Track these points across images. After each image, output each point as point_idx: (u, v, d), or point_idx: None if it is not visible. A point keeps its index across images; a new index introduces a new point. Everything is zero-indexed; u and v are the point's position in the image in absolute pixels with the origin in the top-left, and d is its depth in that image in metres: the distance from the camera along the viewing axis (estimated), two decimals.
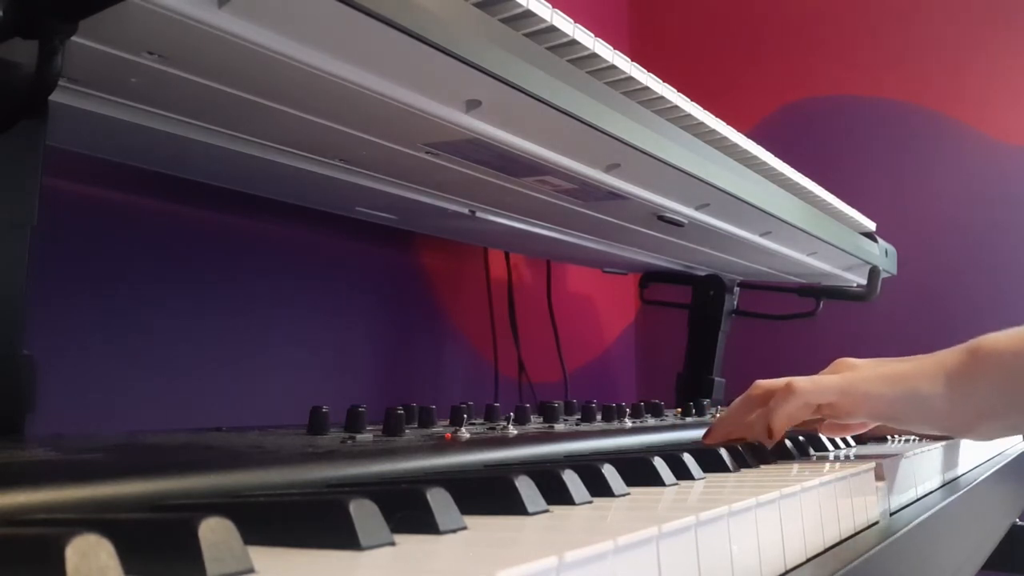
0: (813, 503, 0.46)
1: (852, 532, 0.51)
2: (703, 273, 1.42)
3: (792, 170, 1.06)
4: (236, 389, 0.97)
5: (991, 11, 1.68)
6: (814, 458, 0.70)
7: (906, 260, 1.54)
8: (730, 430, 0.68)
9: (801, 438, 0.73)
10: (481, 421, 0.73)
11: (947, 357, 0.67)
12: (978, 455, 0.99)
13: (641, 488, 0.45)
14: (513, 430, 0.66)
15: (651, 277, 1.49)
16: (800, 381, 0.67)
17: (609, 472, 0.43)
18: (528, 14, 0.60)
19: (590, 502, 0.39)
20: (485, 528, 0.32)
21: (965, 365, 0.65)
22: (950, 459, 0.85)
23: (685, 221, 1.01)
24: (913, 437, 0.90)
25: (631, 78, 0.72)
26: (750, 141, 0.95)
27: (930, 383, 0.65)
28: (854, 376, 0.67)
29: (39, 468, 0.37)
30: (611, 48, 0.69)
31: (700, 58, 1.93)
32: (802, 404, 0.66)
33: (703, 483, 0.50)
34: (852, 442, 0.83)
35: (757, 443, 0.65)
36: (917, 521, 0.57)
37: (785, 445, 0.68)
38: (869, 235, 1.39)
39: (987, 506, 0.89)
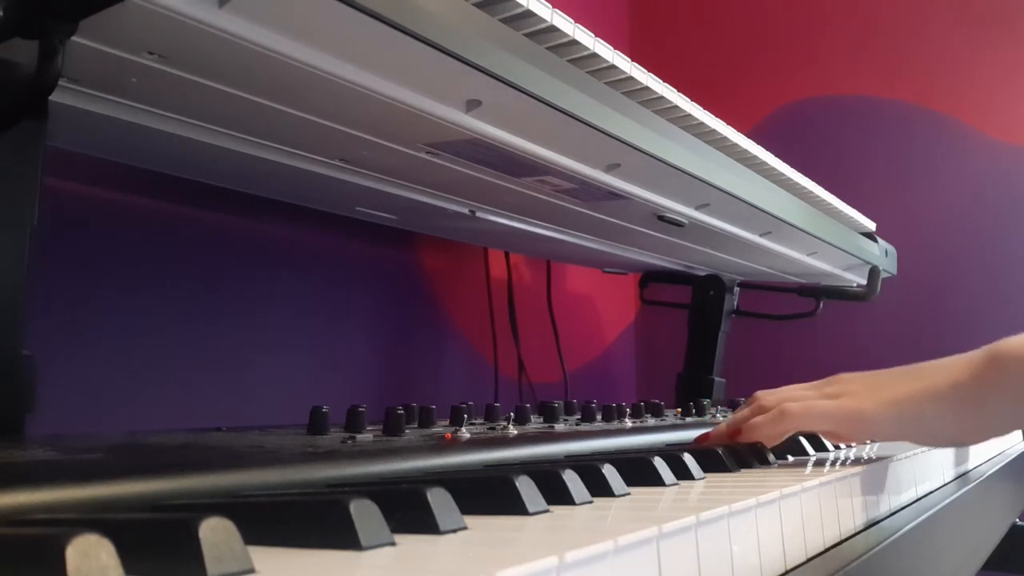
0: (813, 503, 0.46)
1: (852, 532, 0.51)
2: (703, 273, 1.42)
3: (792, 170, 1.06)
4: (236, 389, 0.97)
5: (990, 11, 1.68)
6: (814, 458, 0.69)
7: (906, 260, 1.54)
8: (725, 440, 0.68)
9: (802, 438, 0.73)
10: (481, 421, 0.73)
11: (960, 369, 0.62)
12: (978, 455, 0.98)
13: (641, 488, 0.45)
14: (513, 430, 0.66)
15: (651, 277, 1.49)
16: (794, 407, 0.64)
17: (609, 472, 0.43)
18: (528, 14, 0.60)
19: (590, 502, 0.39)
20: (485, 528, 0.32)
21: (981, 376, 0.61)
22: (950, 459, 0.85)
23: (685, 221, 1.01)
24: None
25: (631, 78, 0.72)
26: (750, 141, 0.95)
27: (935, 405, 0.61)
28: (852, 403, 0.64)
29: (39, 468, 0.37)
30: (611, 48, 0.69)
31: (700, 58, 1.93)
32: (791, 430, 0.65)
33: (703, 483, 0.50)
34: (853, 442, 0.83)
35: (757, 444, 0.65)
36: (917, 521, 0.57)
37: (785, 445, 0.68)
38: (869, 235, 1.39)
39: (987, 506, 0.89)
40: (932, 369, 0.64)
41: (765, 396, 0.68)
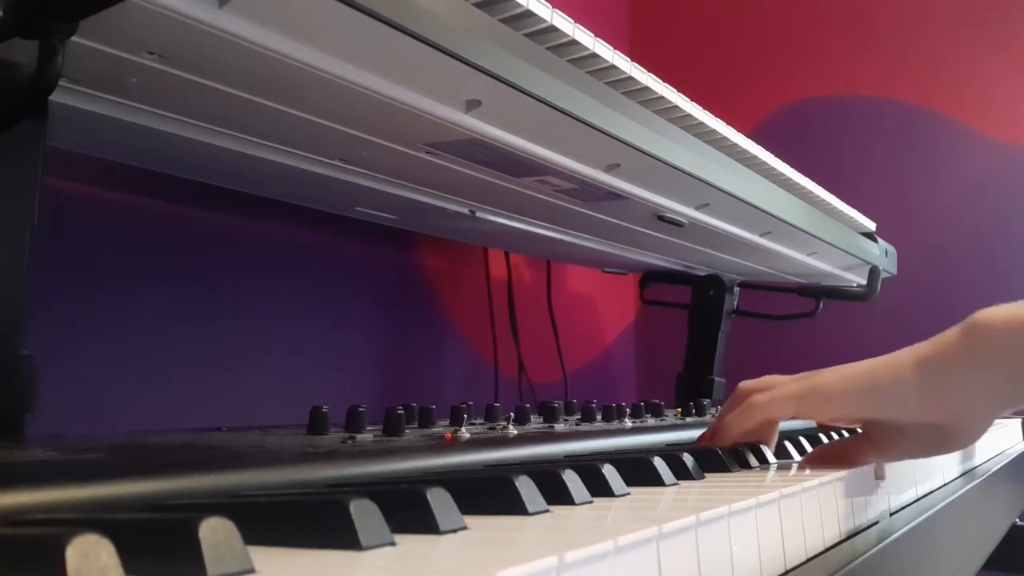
0: (813, 503, 0.46)
1: (852, 532, 0.51)
2: (703, 273, 1.42)
3: (792, 170, 1.06)
4: (236, 389, 0.97)
5: (991, 11, 1.68)
6: None
7: (906, 260, 1.54)
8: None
9: (802, 438, 0.73)
10: (481, 421, 0.73)
11: (926, 344, 0.59)
12: (978, 455, 0.98)
13: (641, 488, 0.45)
14: (513, 430, 0.66)
15: (651, 277, 1.49)
16: (758, 398, 0.64)
17: (609, 472, 0.43)
18: (528, 14, 0.60)
19: (590, 502, 0.39)
20: (485, 528, 0.32)
21: (951, 347, 0.58)
22: (951, 459, 0.85)
23: (685, 221, 1.01)
24: None
25: (631, 78, 0.72)
26: (750, 141, 0.95)
27: (892, 373, 0.59)
28: (813, 381, 0.63)
29: (39, 468, 0.37)
30: (611, 48, 0.69)
31: (700, 58, 1.93)
32: (758, 422, 0.64)
33: (703, 483, 0.50)
34: None
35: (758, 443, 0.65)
36: (917, 521, 0.57)
37: (785, 446, 0.68)
38: (869, 235, 1.39)
39: (987, 506, 0.89)
40: (899, 352, 0.61)
41: (744, 385, 0.67)
